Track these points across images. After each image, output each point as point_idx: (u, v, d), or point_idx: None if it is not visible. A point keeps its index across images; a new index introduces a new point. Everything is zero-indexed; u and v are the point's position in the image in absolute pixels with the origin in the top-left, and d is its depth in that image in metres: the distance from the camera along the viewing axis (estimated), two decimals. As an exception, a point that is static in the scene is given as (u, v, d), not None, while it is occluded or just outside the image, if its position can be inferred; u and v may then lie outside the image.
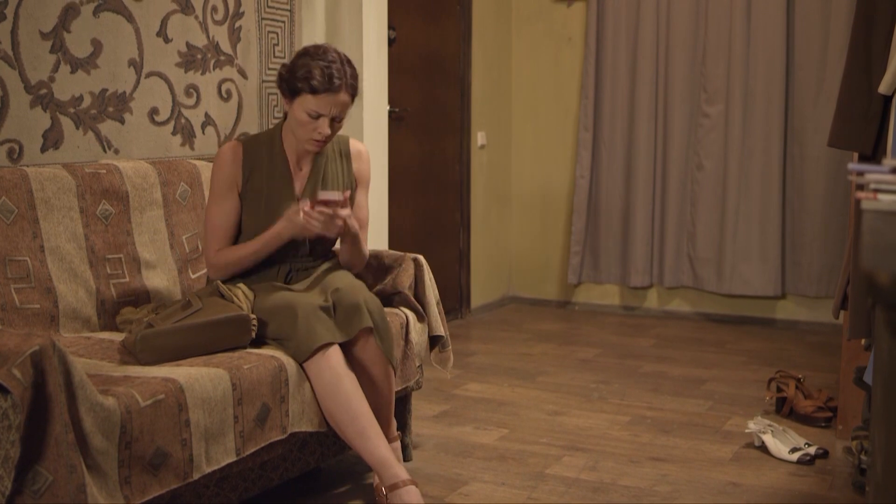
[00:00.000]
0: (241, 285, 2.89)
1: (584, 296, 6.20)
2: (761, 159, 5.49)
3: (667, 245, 5.80)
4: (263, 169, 3.02)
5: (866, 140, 3.09)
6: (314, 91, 2.86)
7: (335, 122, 2.93)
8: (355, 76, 2.94)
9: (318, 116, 2.89)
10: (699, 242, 5.70)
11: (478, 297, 6.05)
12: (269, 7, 3.98)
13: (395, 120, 5.08)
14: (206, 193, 3.37)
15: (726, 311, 5.77)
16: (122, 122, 3.36)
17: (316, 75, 2.85)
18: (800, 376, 3.92)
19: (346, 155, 3.15)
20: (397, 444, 3.10)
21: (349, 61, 2.94)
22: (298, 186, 3.05)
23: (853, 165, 1.69)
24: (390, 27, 4.75)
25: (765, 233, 5.52)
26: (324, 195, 2.83)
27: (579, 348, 5.07)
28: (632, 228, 5.86)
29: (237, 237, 3.05)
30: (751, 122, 5.50)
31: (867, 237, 1.31)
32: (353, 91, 2.93)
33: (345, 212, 2.85)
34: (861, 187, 1.84)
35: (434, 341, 3.36)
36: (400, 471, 2.75)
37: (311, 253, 3.07)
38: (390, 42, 4.79)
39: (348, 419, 2.74)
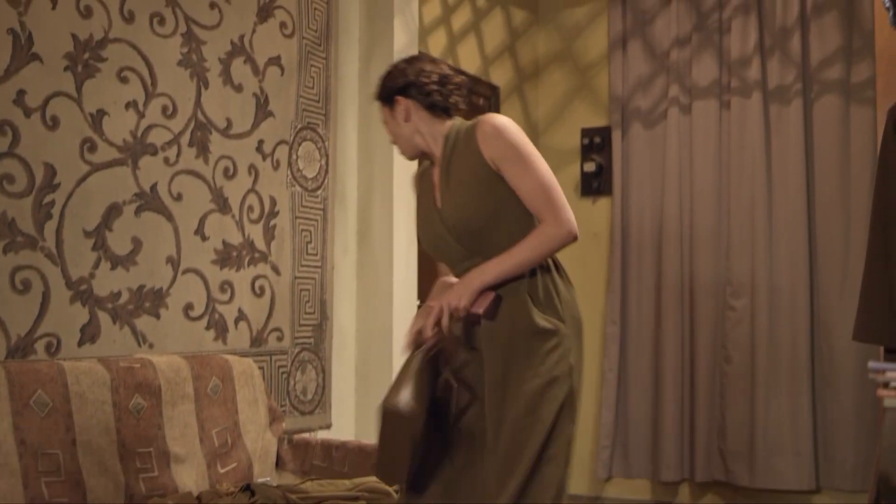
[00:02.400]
0: None
1: (614, 490, 6.08)
2: (789, 352, 5.48)
3: (697, 438, 5.72)
4: (423, 184, 2.90)
5: (892, 333, 3.12)
6: None
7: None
8: (384, 83, 2.83)
9: None
10: (730, 436, 5.62)
11: (506, 492, 5.93)
12: (303, 206, 4.12)
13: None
14: (237, 388, 3.42)
15: (761, 508, 5.64)
16: (157, 317, 3.44)
17: None
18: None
19: (472, 145, 2.73)
20: None
21: (388, 71, 2.86)
22: (438, 197, 2.80)
23: (874, 364, 1.71)
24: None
25: (796, 426, 5.44)
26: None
27: (611, 546, 4.95)
28: (661, 422, 5.80)
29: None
30: (777, 316, 5.52)
31: (890, 436, 1.32)
32: (381, 96, 2.83)
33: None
34: (886, 384, 1.86)
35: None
36: None
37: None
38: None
39: None
